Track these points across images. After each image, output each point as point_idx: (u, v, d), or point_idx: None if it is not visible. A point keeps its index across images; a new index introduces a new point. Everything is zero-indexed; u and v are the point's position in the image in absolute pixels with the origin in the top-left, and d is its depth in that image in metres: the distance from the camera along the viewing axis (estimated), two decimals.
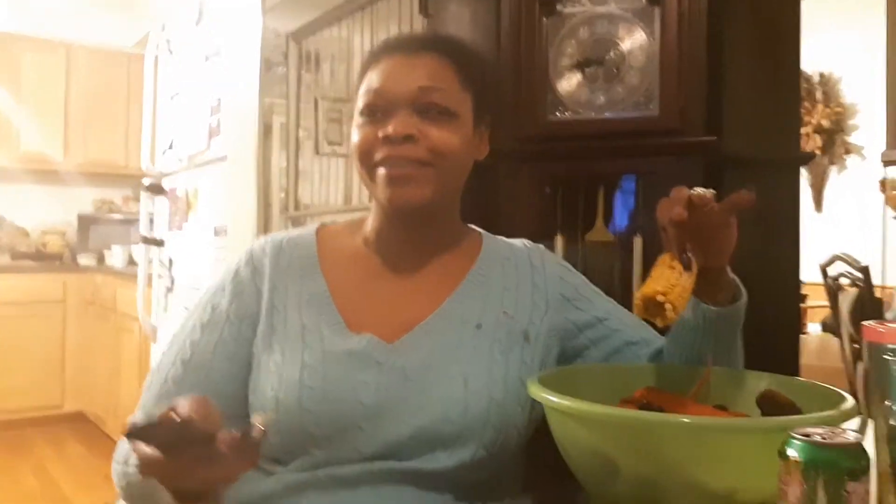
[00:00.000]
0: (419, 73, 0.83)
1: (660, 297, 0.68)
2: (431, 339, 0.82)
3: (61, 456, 3.73)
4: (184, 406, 0.59)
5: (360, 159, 0.83)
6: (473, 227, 0.96)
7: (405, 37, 0.90)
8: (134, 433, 0.58)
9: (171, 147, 2.94)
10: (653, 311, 0.70)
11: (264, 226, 2.41)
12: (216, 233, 2.44)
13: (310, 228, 0.93)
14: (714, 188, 0.74)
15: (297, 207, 2.48)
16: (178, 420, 0.58)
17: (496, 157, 1.16)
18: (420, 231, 0.87)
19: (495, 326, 0.84)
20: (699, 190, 0.71)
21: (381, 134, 0.80)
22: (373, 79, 0.83)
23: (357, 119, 0.83)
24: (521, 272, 0.90)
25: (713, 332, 0.80)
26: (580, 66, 1.27)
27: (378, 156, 0.81)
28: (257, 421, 0.58)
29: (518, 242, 0.94)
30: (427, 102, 0.81)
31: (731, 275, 0.80)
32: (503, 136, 1.20)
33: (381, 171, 0.81)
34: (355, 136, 0.83)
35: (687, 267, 0.72)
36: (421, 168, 0.81)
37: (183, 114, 2.82)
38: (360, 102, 0.83)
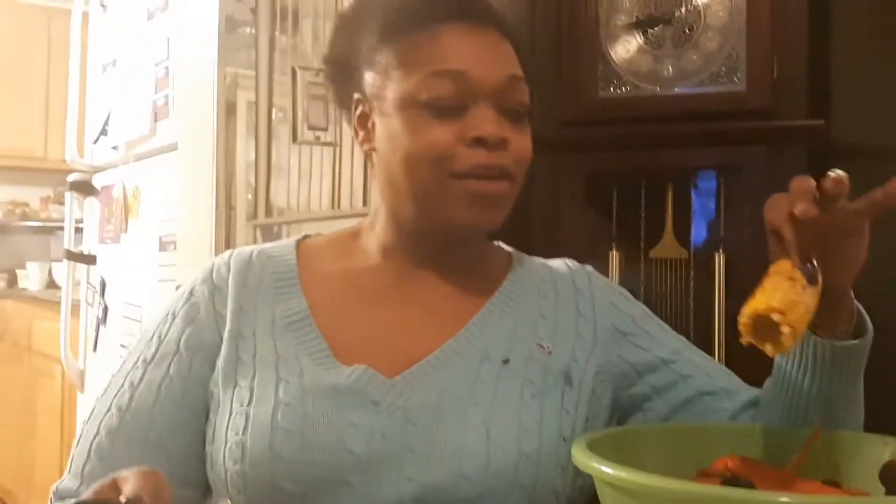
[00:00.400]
0: (504, 58, 0.85)
1: (776, 316, 0.68)
2: (444, 374, 0.83)
3: None
4: (130, 481, 0.60)
5: (433, 168, 0.83)
6: (500, 244, 0.99)
7: None
8: None
9: (104, 133, 2.96)
10: (763, 334, 0.69)
11: (225, 237, 2.41)
12: (162, 246, 2.45)
13: (287, 241, 0.95)
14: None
15: (268, 213, 2.48)
16: (123, 501, 0.59)
17: (533, 143, 1.32)
18: (453, 252, 0.91)
19: (527, 362, 0.85)
20: (835, 173, 0.71)
21: (472, 134, 0.82)
22: (440, 57, 0.83)
23: (411, 112, 0.83)
24: (562, 297, 0.92)
25: (827, 375, 0.80)
26: (641, 25, 1.28)
27: (464, 164, 0.82)
28: None
29: (559, 262, 0.97)
30: (515, 98, 0.85)
31: (855, 301, 0.80)
32: (538, 120, 1.20)
33: (470, 184, 0.83)
34: (419, 137, 0.83)
35: (812, 280, 0.71)
36: (507, 183, 0.85)
37: (120, 88, 2.85)
38: (419, 89, 0.83)
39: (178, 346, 0.87)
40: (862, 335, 0.80)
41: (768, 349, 0.70)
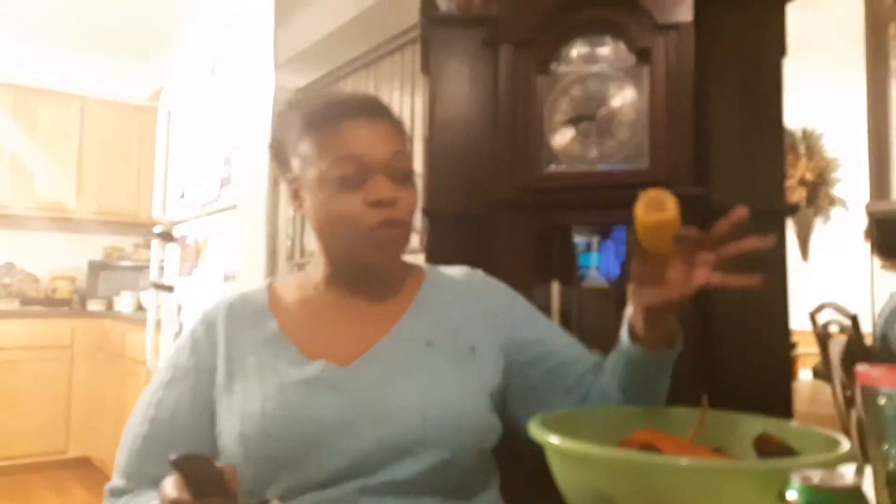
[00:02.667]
0: (389, 139, 0.85)
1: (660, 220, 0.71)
2: (385, 358, 0.85)
3: (64, 502, 3.65)
4: (223, 464, 0.65)
5: (348, 226, 0.84)
6: (414, 263, 0.99)
7: (357, 100, 0.87)
8: (178, 462, 0.61)
9: (182, 196, 2.96)
10: (655, 239, 0.73)
11: (272, 271, 2.41)
12: (226, 278, 2.45)
13: (261, 285, 0.96)
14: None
15: (302, 255, 2.49)
16: (217, 467, 0.62)
17: (494, 207, 1.29)
18: (376, 276, 0.91)
19: (444, 343, 0.87)
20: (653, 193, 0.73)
21: (371, 199, 0.83)
22: (342, 145, 0.84)
23: (326, 187, 0.84)
24: (464, 294, 0.93)
25: (641, 370, 0.82)
26: (573, 121, 1.28)
27: (371, 221, 0.84)
28: (275, 500, 0.61)
29: (458, 270, 0.98)
30: (400, 166, 0.85)
31: (676, 322, 0.81)
32: (501, 188, 1.29)
33: (376, 234, 0.84)
34: (334, 205, 0.84)
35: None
36: (402, 229, 0.86)
37: (195, 164, 2.84)
38: (329, 169, 0.83)
39: (188, 369, 0.87)
40: (672, 346, 0.81)
41: (663, 247, 0.74)
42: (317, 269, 0.92)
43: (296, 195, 0.90)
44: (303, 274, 0.95)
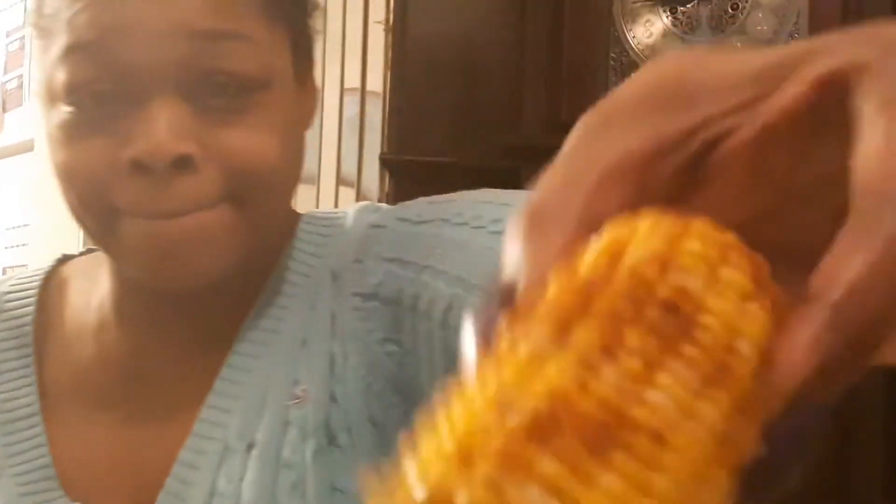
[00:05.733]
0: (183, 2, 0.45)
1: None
2: None
3: None
4: None
5: (82, 204, 0.45)
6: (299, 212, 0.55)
7: None
8: None
9: None
10: None
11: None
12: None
13: (35, 271, 0.56)
14: None
15: None
16: None
17: (518, 156, 0.95)
18: (208, 311, 0.50)
19: (283, 432, 0.48)
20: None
21: (125, 156, 0.42)
22: (79, 19, 0.44)
23: (55, 109, 0.44)
24: (339, 282, 0.50)
25: None
26: (669, 1, 0.94)
27: (121, 199, 0.44)
28: None
29: (352, 213, 0.53)
30: (209, 70, 0.44)
31: None
32: (530, 123, 0.95)
33: (134, 227, 0.44)
34: (62, 156, 0.45)
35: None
36: (213, 213, 0.44)
37: None
38: (55, 72, 0.44)
39: None
40: None
41: None
42: (104, 269, 0.51)
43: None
44: (95, 260, 0.52)
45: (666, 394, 0.14)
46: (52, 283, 0.53)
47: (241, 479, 0.47)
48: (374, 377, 0.46)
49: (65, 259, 0.55)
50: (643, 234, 0.16)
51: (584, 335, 0.14)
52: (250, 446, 0.47)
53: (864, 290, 0.16)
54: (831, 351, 0.16)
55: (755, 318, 0.16)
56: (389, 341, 0.46)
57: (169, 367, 0.50)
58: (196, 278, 0.46)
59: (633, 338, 0.14)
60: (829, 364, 0.16)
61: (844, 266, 0.16)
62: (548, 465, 0.13)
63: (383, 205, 0.55)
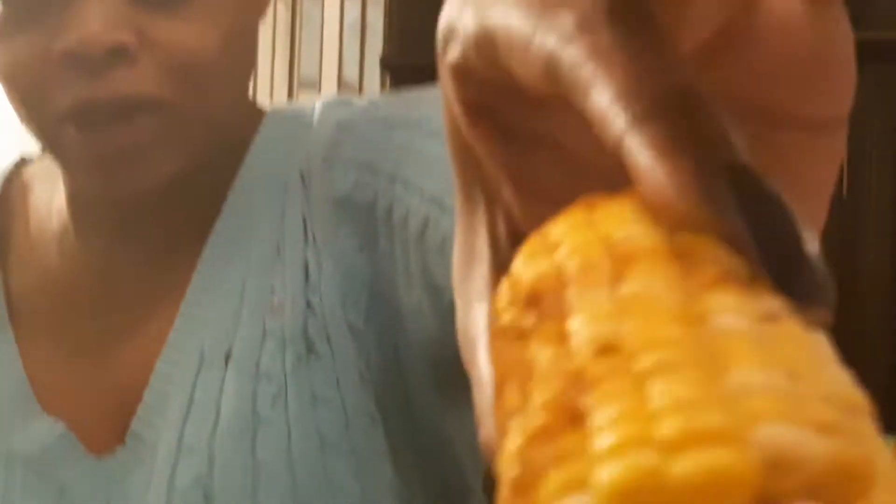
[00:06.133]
0: None
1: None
2: (158, 421, 0.46)
3: None
4: None
5: (25, 105, 0.42)
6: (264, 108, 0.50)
7: None
8: None
9: None
10: None
11: None
12: None
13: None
14: None
15: None
16: None
17: None
18: (171, 216, 0.47)
19: (261, 343, 0.44)
20: None
21: (58, 48, 0.39)
22: None
23: None
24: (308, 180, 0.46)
25: None
26: None
27: (59, 97, 0.40)
28: None
29: (319, 108, 0.48)
30: None
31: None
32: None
33: (74, 138, 0.41)
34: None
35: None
36: (153, 116, 0.41)
37: None
38: None
39: None
40: None
41: None
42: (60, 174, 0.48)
43: None
44: (54, 163, 0.48)
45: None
46: (12, 188, 0.50)
47: (220, 391, 0.45)
48: (351, 285, 0.44)
49: (24, 162, 0.51)
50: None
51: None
52: (227, 357, 0.45)
53: None
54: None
55: None
56: (365, 249, 0.43)
57: (136, 276, 0.46)
58: (143, 183, 0.43)
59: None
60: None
61: None
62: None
63: (352, 98, 0.51)
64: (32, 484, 0.44)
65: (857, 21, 0.16)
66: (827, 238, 0.14)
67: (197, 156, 0.42)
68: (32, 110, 0.42)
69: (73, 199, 0.46)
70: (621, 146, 0.11)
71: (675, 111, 0.11)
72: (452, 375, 0.37)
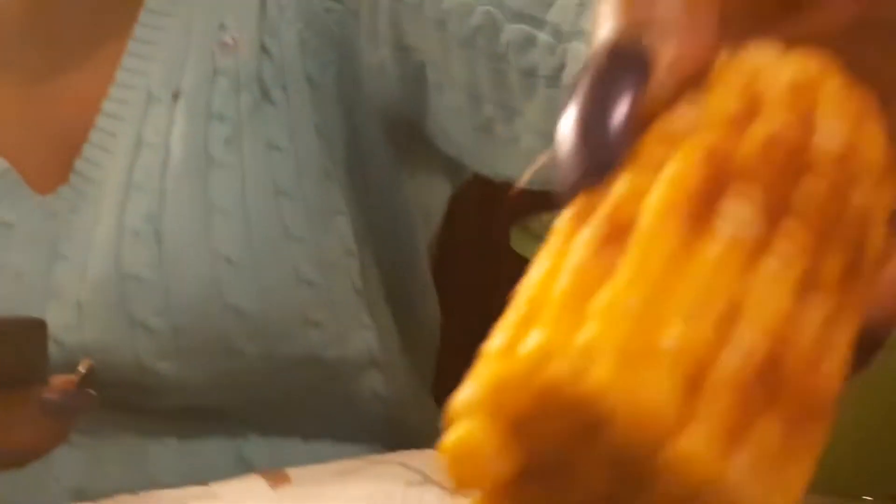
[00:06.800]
0: None
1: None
2: (104, 159, 0.44)
3: None
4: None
5: None
6: None
7: None
8: None
9: None
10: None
11: None
12: None
13: None
14: None
15: None
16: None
17: None
18: None
19: (211, 81, 0.43)
20: None
21: None
22: None
23: None
24: None
25: None
26: None
27: None
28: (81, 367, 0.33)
29: None
30: None
31: None
32: None
33: None
34: None
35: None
36: None
37: None
38: None
39: None
40: None
41: None
42: None
43: None
44: None
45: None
46: None
47: (169, 131, 0.42)
48: (311, 33, 0.41)
49: None
50: (778, 83, 0.12)
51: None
52: (176, 95, 0.42)
53: None
54: None
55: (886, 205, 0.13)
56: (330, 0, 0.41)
57: (80, 9, 0.43)
58: None
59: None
60: None
61: None
62: None
63: None
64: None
65: None
66: None
67: None
68: None
69: None
70: None
71: None
72: (408, 139, 0.42)
